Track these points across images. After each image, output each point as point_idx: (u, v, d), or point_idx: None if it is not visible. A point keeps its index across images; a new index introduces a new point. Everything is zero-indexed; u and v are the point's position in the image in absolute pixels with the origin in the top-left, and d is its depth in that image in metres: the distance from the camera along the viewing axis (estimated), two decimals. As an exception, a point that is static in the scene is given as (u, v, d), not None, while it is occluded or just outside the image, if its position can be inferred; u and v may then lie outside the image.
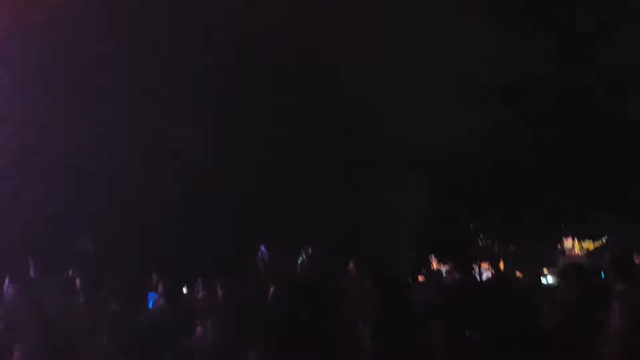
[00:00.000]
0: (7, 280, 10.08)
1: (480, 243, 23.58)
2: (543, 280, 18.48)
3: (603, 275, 8.70)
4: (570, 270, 8.69)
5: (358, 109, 18.91)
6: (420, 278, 14.27)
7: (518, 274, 18.83)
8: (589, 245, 22.08)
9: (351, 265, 9.95)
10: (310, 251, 9.28)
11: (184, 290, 12.88)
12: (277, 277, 8.94)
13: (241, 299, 9.41)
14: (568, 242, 22.37)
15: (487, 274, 21.45)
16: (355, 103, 18.82)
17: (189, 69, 17.93)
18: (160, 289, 10.80)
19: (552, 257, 22.16)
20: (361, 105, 18.84)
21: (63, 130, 17.23)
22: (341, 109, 18.99)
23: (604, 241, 21.66)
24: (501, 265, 19.74)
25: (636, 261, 9.48)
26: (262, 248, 9.30)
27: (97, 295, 10.46)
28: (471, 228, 22.97)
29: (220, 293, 9.59)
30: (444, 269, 17.95)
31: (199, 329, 9.83)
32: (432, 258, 23.16)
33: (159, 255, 16.13)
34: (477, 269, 21.24)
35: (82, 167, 17.39)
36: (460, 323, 9.50)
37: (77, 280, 10.44)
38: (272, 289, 8.91)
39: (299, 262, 9.12)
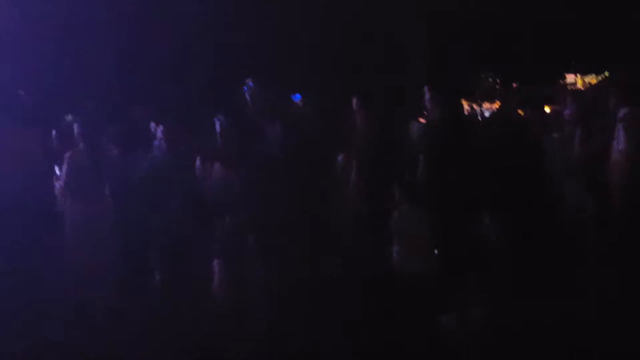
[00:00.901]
0: None
1: (482, 82, 23.46)
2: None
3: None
4: (574, 102, 8.65)
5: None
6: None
7: (520, 112, 18.75)
8: (591, 79, 21.94)
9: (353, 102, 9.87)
10: (307, 92, 9.14)
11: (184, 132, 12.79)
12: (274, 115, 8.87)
13: (240, 137, 9.40)
14: (570, 78, 22.18)
15: (488, 112, 21.44)
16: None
17: None
18: (159, 133, 10.76)
19: (555, 93, 22.02)
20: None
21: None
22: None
23: (607, 75, 21.52)
24: (503, 103, 19.70)
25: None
26: (249, 82, 9.12)
27: (97, 141, 10.44)
28: (473, 67, 22.81)
29: (217, 132, 9.56)
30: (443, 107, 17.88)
31: (200, 169, 9.85)
32: (432, 95, 23.05)
33: (157, 100, 16.02)
34: (479, 108, 21.25)
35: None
36: (449, 158, 9.56)
37: (75, 127, 10.39)
38: (274, 128, 8.86)
39: (295, 99, 9.00)
